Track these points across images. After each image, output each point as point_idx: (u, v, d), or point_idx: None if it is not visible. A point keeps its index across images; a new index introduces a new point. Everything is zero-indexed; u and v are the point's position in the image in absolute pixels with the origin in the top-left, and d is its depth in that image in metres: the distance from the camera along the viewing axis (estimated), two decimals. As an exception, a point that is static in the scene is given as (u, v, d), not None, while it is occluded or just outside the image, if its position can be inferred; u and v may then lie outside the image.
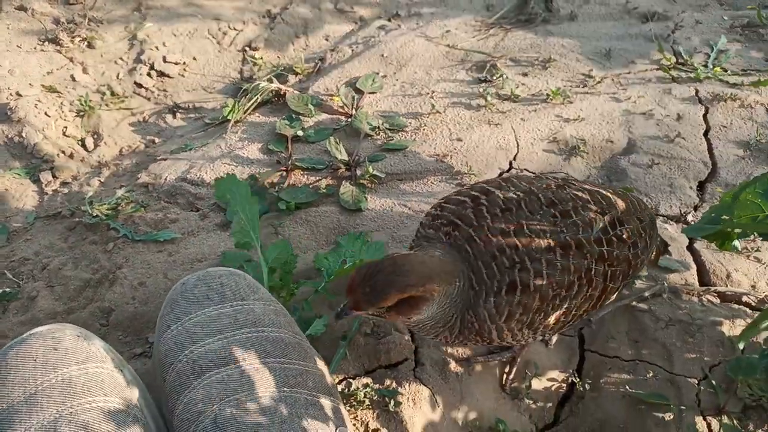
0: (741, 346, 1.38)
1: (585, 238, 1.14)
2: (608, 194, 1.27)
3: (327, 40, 2.64)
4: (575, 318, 1.22)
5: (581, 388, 1.46)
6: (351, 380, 1.37)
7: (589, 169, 1.95)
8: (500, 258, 1.10)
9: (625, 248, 1.21)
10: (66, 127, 2.17)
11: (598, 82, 2.26)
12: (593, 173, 1.93)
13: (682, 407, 1.41)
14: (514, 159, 1.97)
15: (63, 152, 2.11)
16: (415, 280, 1.04)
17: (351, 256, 1.57)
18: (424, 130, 2.06)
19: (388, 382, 1.36)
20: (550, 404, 1.46)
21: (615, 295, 1.28)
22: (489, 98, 2.17)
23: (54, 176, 2.03)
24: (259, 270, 1.51)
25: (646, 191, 1.86)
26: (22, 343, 1.04)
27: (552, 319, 1.16)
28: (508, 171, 1.93)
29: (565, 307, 1.15)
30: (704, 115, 2.12)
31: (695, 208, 1.82)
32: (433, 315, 1.12)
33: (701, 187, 1.90)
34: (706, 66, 2.33)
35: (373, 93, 2.25)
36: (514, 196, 1.17)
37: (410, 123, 2.09)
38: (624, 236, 1.21)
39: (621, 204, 1.27)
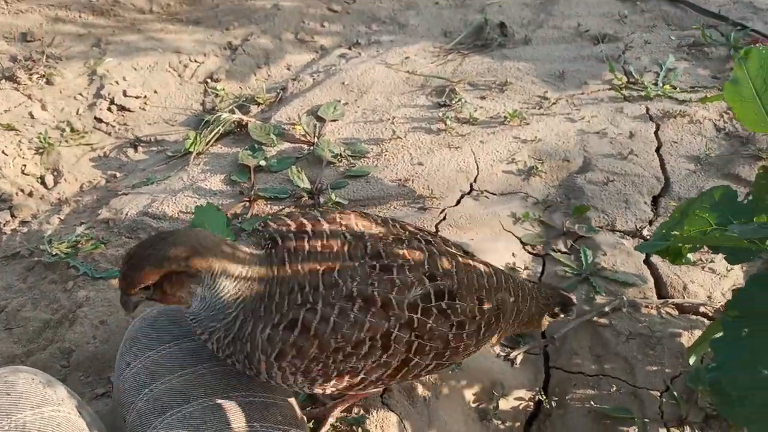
0: (691, 361, 1.42)
1: (396, 299, 1.04)
2: (463, 263, 1.16)
3: (288, 69, 2.66)
4: (367, 383, 1.09)
5: (548, 406, 1.48)
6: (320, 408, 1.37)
7: (548, 188, 1.99)
8: (296, 293, 1.01)
9: (446, 325, 1.09)
10: (25, 165, 2.14)
11: (554, 104, 2.33)
12: (552, 192, 1.98)
13: (646, 420, 1.44)
14: (475, 181, 2.00)
15: (22, 191, 2.08)
16: (175, 253, 0.94)
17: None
18: (385, 155, 2.09)
19: (355, 409, 1.36)
20: (518, 424, 1.47)
21: (423, 372, 1.14)
22: (449, 122, 2.21)
23: (12, 215, 1.99)
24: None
25: (603, 208, 1.91)
26: (-26, 390, 1.02)
27: (334, 374, 1.05)
28: (468, 193, 1.97)
29: (350, 365, 1.04)
30: (655, 132, 2.19)
31: (650, 223, 1.87)
32: (209, 301, 1.00)
33: (655, 201, 1.96)
34: (656, 84, 2.42)
35: (334, 120, 2.28)
36: (341, 236, 1.08)
37: (372, 149, 2.12)
38: (449, 311, 1.09)
39: (464, 279, 1.14)
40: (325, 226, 1.09)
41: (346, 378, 1.06)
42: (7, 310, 1.61)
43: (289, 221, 1.11)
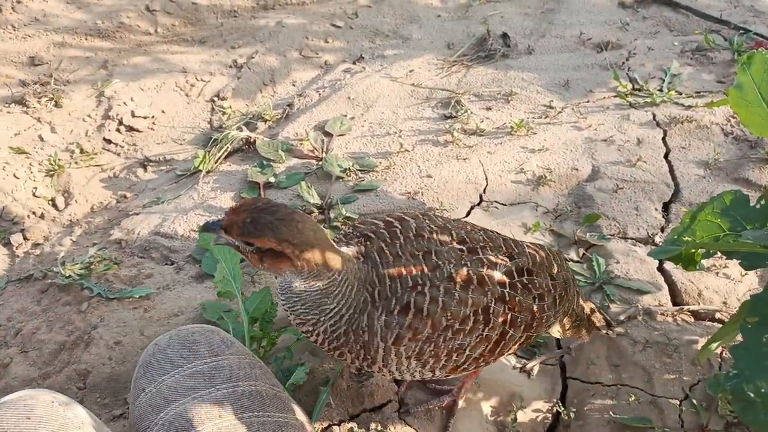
0: (702, 359, 1.41)
1: (488, 276, 1.14)
2: (524, 245, 1.27)
3: (294, 85, 2.68)
4: (470, 361, 1.17)
5: (566, 417, 1.46)
6: (336, 426, 1.36)
7: (557, 197, 1.99)
8: (405, 277, 1.10)
9: (530, 297, 1.19)
10: (36, 188, 2.16)
11: (559, 112, 2.33)
12: (561, 201, 1.98)
13: (666, 429, 1.42)
14: (484, 192, 2.01)
15: (33, 213, 2.09)
16: (296, 240, 1.02)
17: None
18: (394, 168, 2.10)
19: (373, 425, 1.35)
20: (536, 435, 1.46)
21: (515, 346, 1.23)
22: (455, 134, 2.22)
23: (25, 238, 2.01)
24: (240, 320, 1.50)
25: (613, 215, 1.91)
26: (-6, 415, 1.02)
27: (443, 354, 1.13)
28: (478, 204, 1.97)
29: (458, 342, 1.12)
30: (663, 138, 2.19)
31: (662, 230, 1.87)
32: (298, 289, 1.08)
33: (666, 208, 1.95)
34: (661, 90, 2.42)
35: (342, 135, 2.29)
36: (428, 226, 1.18)
37: (380, 162, 2.13)
38: (530, 286, 1.19)
39: (535, 256, 1.25)
40: (411, 221, 1.18)
41: (454, 357, 1.14)
42: (23, 333, 1.61)
43: (377, 221, 1.20)
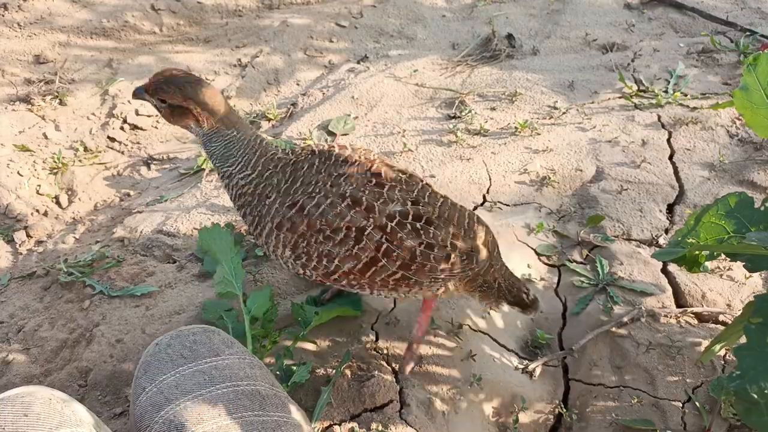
0: (705, 360, 1.40)
1: (378, 207, 1.29)
2: (446, 203, 1.37)
3: (298, 85, 2.68)
4: (340, 273, 1.32)
5: (568, 419, 1.46)
6: (336, 426, 1.36)
7: (561, 198, 1.99)
8: (309, 185, 1.31)
9: (416, 241, 1.30)
10: (39, 185, 2.16)
11: (564, 113, 2.32)
12: (565, 202, 1.97)
13: (669, 431, 1.41)
14: (487, 192, 2.00)
15: (37, 210, 2.10)
16: (199, 99, 1.28)
17: (326, 307, 1.57)
18: (397, 168, 2.09)
19: (374, 426, 1.35)
20: (538, 437, 1.45)
21: (391, 280, 1.33)
22: (459, 134, 2.21)
23: (28, 235, 2.01)
24: (240, 319, 1.50)
25: (617, 217, 1.90)
26: (-8, 410, 1.01)
27: (314, 254, 1.30)
28: (482, 204, 1.96)
29: (327, 248, 1.29)
30: (668, 140, 2.18)
31: (666, 231, 1.86)
32: (210, 145, 1.34)
33: (670, 209, 1.94)
34: (666, 92, 2.41)
35: (345, 134, 2.28)
36: (358, 158, 1.36)
37: (384, 163, 2.12)
38: (421, 231, 1.30)
39: (447, 215, 1.34)
40: (349, 151, 1.38)
41: (324, 262, 1.31)
42: (25, 330, 1.61)
43: (322, 147, 1.40)
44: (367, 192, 1.30)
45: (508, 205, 1.96)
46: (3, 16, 2.75)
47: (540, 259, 1.80)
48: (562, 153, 2.12)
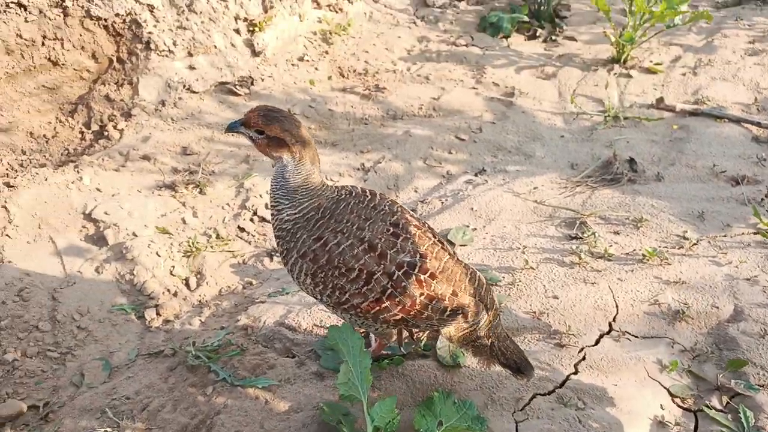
0: None
1: (390, 254, 1.47)
2: (455, 261, 1.56)
3: (416, 192, 2.77)
4: (350, 305, 1.49)
5: None
6: None
7: (696, 335, 1.86)
8: (338, 224, 1.50)
9: (417, 291, 1.47)
10: (173, 266, 2.31)
11: (695, 244, 2.23)
12: (700, 340, 1.84)
13: None
14: (614, 320, 1.92)
15: (168, 290, 2.22)
16: (295, 132, 1.50)
17: (447, 417, 1.52)
18: (518, 285, 2.06)
19: None
20: None
21: (393, 320, 1.50)
22: (582, 256, 2.17)
23: (158, 313, 2.12)
24: (359, 425, 1.47)
25: (762, 363, 1.75)
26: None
27: (330, 285, 1.49)
28: (608, 333, 1.87)
29: (341, 283, 1.47)
30: (815, 283, 2.03)
31: (822, 386, 1.68)
32: (287, 174, 1.53)
33: (824, 362, 1.77)
34: (807, 231, 2.27)
35: (464, 245, 2.30)
36: (385, 207, 1.56)
37: (503, 277, 2.10)
38: (424, 284, 1.48)
39: (451, 272, 1.52)
40: (378, 200, 1.58)
41: (336, 293, 1.49)
42: (149, 409, 1.66)
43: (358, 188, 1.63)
44: (383, 240, 1.48)
45: (637, 337, 1.86)
46: (160, 111, 3.08)
47: (674, 401, 1.67)
48: (696, 287, 2.02)
